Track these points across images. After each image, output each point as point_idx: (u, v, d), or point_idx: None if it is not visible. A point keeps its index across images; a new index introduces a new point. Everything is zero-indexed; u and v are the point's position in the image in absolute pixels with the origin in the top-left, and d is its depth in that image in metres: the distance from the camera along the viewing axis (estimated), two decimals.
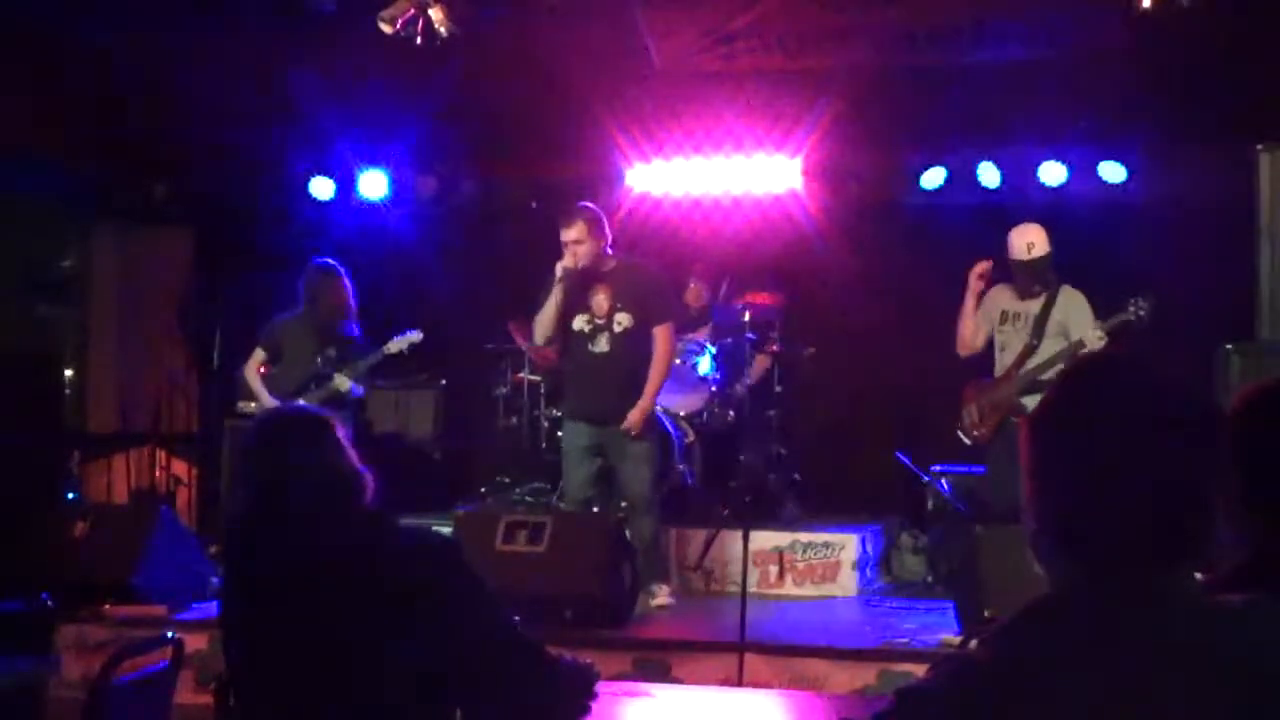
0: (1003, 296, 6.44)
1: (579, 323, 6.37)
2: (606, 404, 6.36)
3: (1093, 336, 5.98)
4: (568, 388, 6.73)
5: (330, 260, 7.27)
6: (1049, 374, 6.12)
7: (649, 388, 6.37)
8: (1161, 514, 1.52)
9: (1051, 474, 1.58)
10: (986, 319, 6.48)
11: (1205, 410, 1.58)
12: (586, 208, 6.49)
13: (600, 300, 6.35)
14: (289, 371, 7.21)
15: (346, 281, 7.19)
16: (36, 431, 7.92)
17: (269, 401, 7.13)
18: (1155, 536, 1.52)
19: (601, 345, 6.37)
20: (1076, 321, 6.17)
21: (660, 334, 6.40)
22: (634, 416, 6.31)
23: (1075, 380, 1.63)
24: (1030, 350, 6.24)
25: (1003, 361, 6.39)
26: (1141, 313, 5.92)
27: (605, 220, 6.43)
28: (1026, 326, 6.29)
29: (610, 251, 6.42)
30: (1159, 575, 1.52)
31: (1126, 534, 1.52)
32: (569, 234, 6.26)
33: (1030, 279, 6.28)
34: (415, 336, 7.14)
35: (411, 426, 9.00)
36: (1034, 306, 6.30)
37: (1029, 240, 6.27)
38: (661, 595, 6.56)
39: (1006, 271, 6.45)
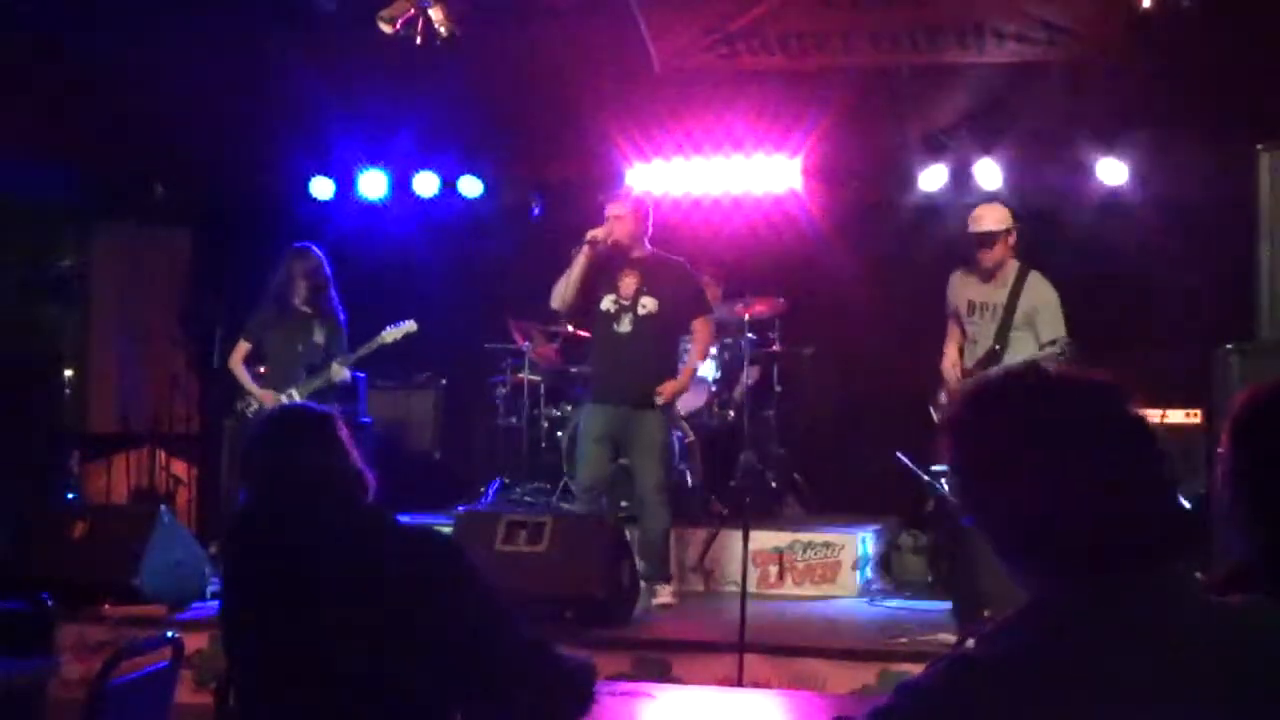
0: (965, 285, 6.34)
1: (606, 303, 6.53)
2: (624, 384, 6.48)
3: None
4: (592, 369, 6.90)
5: (304, 243, 7.34)
6: None
7: (686, 368, 6.61)
8: (1096, 513, 1.52)
9: (976, 484, 1.59)
10: (954, 315, 6.40)
11: (1115, 402, 1.58)
12: (639, 193, 6.82)
13: (628, 282, 6.51)
14: (280, 363, 7.26)
15: (321, 263, 7.26)
16: (36, 431, 7.92)
17: (258, 392, 7.19)
18: (1146, 537, 1.52)
19: (625, 326, 6.51)
20: (1043, 321, 6.01)
21: (700, 325, 6.63)
22: (667, 386, 6.45)
23: (980, 393, 1.64)
24: (993, 356, 6.11)
25: (973, 353, 6.30)
26: (1061, 356, 5.79)
27: (650, 212, 6.65)
28: (994, 319, 6.18)
29: (648, 244, 6.60)
30: (1156, 575, 1.52)
31: (1105, 538, 1.52)
32: (614, 209, 6.50)
33: (978, 251, 6.17)
34: (410, 326, 7.25)
35: (411, 426, 9.00)
36: (998, 296, 6.16)
37: (977, 213, 6.24)
38: (664, 595, 6.58)
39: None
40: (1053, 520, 1.52)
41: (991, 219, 6.19)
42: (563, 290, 6.51)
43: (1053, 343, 5.89)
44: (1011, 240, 6.17)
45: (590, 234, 6.43)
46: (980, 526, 1.60)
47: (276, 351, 7.31)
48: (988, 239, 6.14)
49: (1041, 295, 6.09)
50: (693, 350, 6.68)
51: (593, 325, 6.66)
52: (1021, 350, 6.04)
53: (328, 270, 7.32)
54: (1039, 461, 1.53)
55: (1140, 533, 1.53)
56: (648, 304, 6.48)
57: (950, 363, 6.39)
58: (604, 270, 6.50)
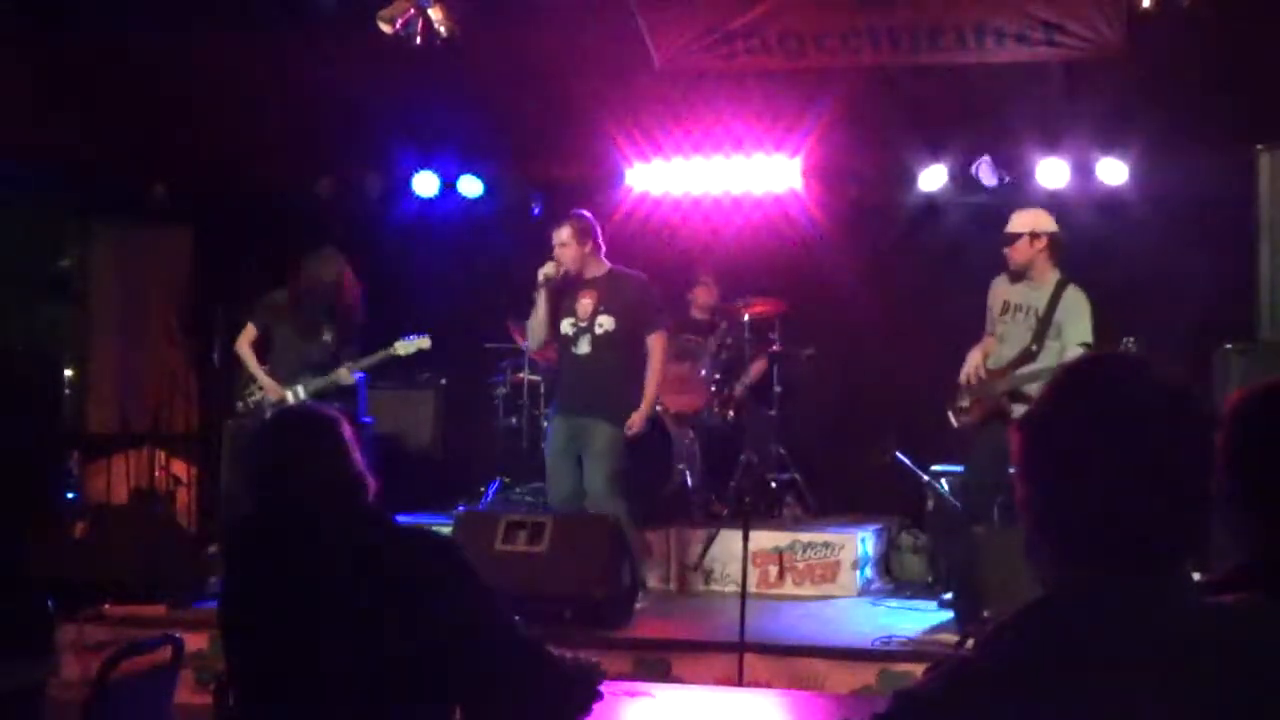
0: (1004, 287, 6.40)
1: (565, 326, 6.55)
2: (582, 401, 6.48)
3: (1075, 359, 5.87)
4: (557, 388, 6.86)
5: (333, 247, 7.31)
6: (1038, 386, 6.08)
7: (648, 393, 6.50)
8: (1157, 515, 1.52)
9: (1046, 475, 1.58)
10: (990, 316, 6.45)
11: (1198, 410, 1.58)
12: (579, 214, 6.67)
13: (585, 304, 6.52)
14: (286, 358, 7.22)
15: (348, 269, 7.23)
16: (36, 431, 7.91)
17: (266, 382, 7.16)
18: (1151, 538, 1.52)
19: (583, 347, 6.51)
20: (1070, 328, 6.11)
21: (655, 342, 6.56)
22: (635, 419, 6.43)
23: (1069, 381, 1.63)
24: (1028, 356, 6.18)
25: (1000, 354, 6.32)
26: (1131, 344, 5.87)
27: (596, 229, 6.62)
28: (1028, 322, 6.23)
29: (605, 260, 6.59)
30: (1156, 576, 1.52)
31: (1122, 535, 1.52)
32: (557, 236, 6.53)
33: (1010, 255, 6.28)
34: (425, 342, 7.15)
35: (411, 426, 8.99)
36: (1038, 300, 6.22)
37: (1016, 217, 6.34)
38: None
39: (969, 287, 6.54)
40: (1109, 516, 1.51)
41: (1017, 222, 6.31)
42: (533, 330, 6.64)
43: (1085, 345, 5.96)
44: (1040, 245, 6.24)
45: (542, 273, 6.48)
46: (1029, 510, 1.59)
47: (285, 345, 7.24)
48: (1009, 239, 6.28)
49: (1073, 307, 6.16)
50: (650, 369, 6.52)
51: (557, 349, 6.69)
52: (1051, 357, 6.10)
53: (353, 277, 7.27)
54: (1114, 452, 1.52)
55: (1176, 538, 1.53)
56: (604, 323, 6.47)
57: (973, 365, 6.40)
58: (563, 293, 6.55)
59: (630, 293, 6.55)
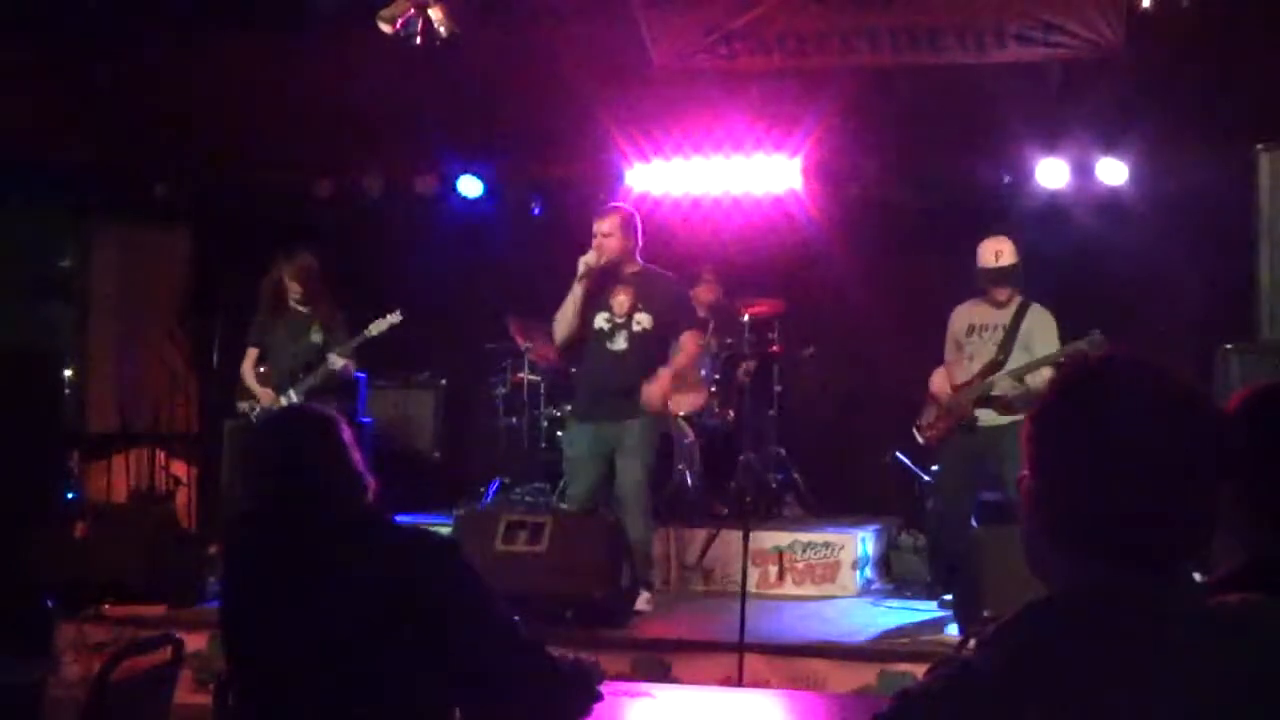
0: (967, 313, 6.65)
1: (600, 321, 6.43)
2: (617, 402, 6.37)
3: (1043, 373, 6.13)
4: (580, 388, 6.72)
5: (294, 244, 7.39)
6: (1006, 387, 6.37)
7: (666, 369, 6.37)
8: (1162, 514, 1.51)
9: (1052, 473, 1.57)
10: (954, 341, 6.69)
11: (1206, 410, 1.57)
12: (624, 207, 6.66)
13: (622, 300, 6.41)
14: (278, 363, 7.32)
15: (312, 263, 7.30)
16: (36, 431, 7.91)
17: (259, 391, 7.23)
18: (1155, 537, 1.52)
19: (620, 343, 6.41)
20: (1039, 340, 6.35)
21: (689, 338, 6.50)
22: (652, 393, 6.31)
23: (1077, 379, 1.63)
24: (997, 365, 6.43)
25: (970, 370, 6.55)
26: (1094, 350, 5.96)
27: (639, 225, 6.52)
28: (995, 337, 6.48)
29: (639, 258, 6.51)
30: (1159, 576, 1.52)
31: (1126, 534, 1.52)
32: (601, 226, 6.40)
33: (998, 285, 6.46)
34: (395, 318, 7.28)
35: (411, 426, 9.00)
36: (1002, 318, 6.48)
37: (997, 249, 6.47)
38: (640, 601, 6.50)
39: (969, 289, 6.65)
40: (1115, 512, 1.51)
41: (1009, 254, 6.44)
42: (563, 321, 6.42)
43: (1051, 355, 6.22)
44: (1019, 273, 6.48)
45: (583, 261, 6.31)
46: (1035, 503, 1.58)
47: (275, 352, 7.36)
48: (1007, 274, 6.44)
49: (1040, 321, 6.42)
50: (676, 357, 6.44)
51: (584, 344, 6.51)
52: (1018, 363, 6.38)
53: (318, 270, 7.35)
54: (1124, 448, 1.51)
55: (1182, 536, 1.53)
56: (642, 320, 6.37)
57: (938, 381, 6.66)
58: (597, 288, 6.40)
59: (667, 294, 6.47)
